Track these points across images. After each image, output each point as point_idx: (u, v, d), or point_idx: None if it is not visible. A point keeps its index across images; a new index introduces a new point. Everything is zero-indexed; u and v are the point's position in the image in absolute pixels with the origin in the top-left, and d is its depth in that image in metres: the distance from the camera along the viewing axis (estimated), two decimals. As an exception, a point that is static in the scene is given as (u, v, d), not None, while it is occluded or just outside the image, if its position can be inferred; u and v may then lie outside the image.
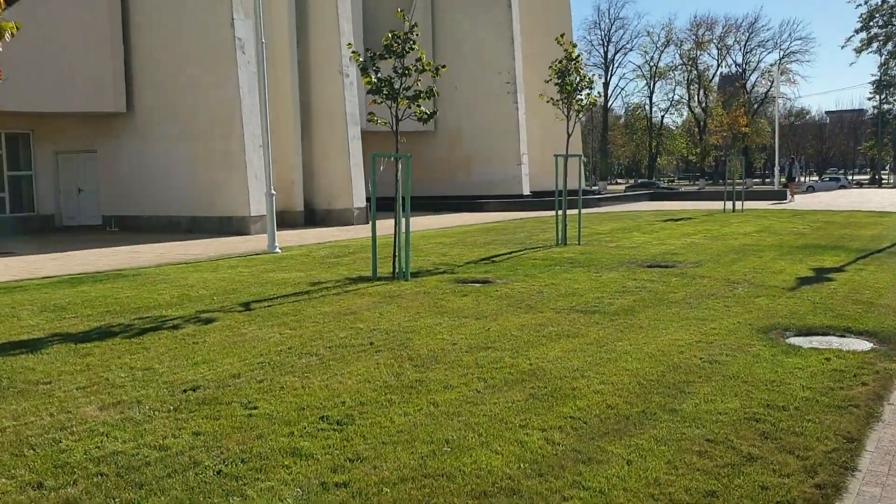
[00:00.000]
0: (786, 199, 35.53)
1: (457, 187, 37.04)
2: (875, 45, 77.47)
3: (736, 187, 28.30)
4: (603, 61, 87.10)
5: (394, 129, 11.42)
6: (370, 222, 11.47)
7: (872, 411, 5.18)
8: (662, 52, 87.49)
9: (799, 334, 7.57)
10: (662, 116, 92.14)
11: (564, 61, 15.17)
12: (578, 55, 15.20)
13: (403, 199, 11.48)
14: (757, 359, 6.51)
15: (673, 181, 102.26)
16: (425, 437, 4.85)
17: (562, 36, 15.12)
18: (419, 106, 11.34)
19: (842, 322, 7.91)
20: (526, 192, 35.12)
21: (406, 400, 5.60)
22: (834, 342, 7.22)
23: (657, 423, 4.99)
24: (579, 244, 16.05)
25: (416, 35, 11.33)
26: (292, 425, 5.13)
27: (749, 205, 31.53)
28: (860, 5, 78.12)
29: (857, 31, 78.41)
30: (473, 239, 18.43)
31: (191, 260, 15.32)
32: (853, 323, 7.86)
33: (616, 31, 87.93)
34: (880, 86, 79.49)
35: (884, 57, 78.17)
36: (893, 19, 76.63)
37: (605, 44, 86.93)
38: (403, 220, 11.50)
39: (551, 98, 15.52)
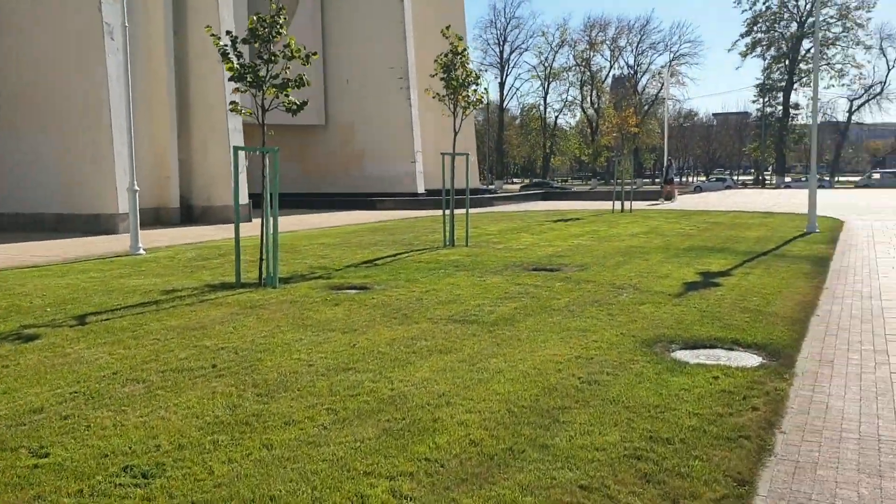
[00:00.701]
0: (664, 199, 36.05)
1: (350, 184, 36.02)
2: (759, 49, 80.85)
3: (625, 188, 28.43)
4: (499, 61, 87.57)
5: (259, 120, 10.40)
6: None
7: (764, 443, 4.62)
8: (557, 52, 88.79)
9: (685, 347, 7.05)
10: (556, 117, 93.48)
11: (450, 55, 14.46)
12: (465, 49, 14.52)
13: (272, 197, 10.47)
14: (640, 378, 5.91)
15: (566, 181, 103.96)
16: (247, 493, 3.96)
17: (447, 28, 14.39)
18: (287, 95, 10.36)
19: (729, 333, 7.46)
20: (420, 190, 34.45)
21: (235, 441, 4.69)
22: (722, 357, 6.73)
23: (525, 465, 4.26)
24: (467, 246, 15.40)
25: (284, 19, 10.35)
26: (85, 479, 4.14)
27: (638, 205, 31.88)
28: (745, 10, 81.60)
29: (742, 36, 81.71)
30: (359, 239, 17.53)
31: (41, 263, 13.81)
32: (741, 334, 7.42)
33: (512, 31, 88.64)
34: (764, 89, 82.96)
35: (767, 61, 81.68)
36: (776, 25, 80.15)
37: (501, 43, 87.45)
38: (271, 221, 10.49)
39: (437, 94, 14.80)
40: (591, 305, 8.94)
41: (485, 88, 17.07)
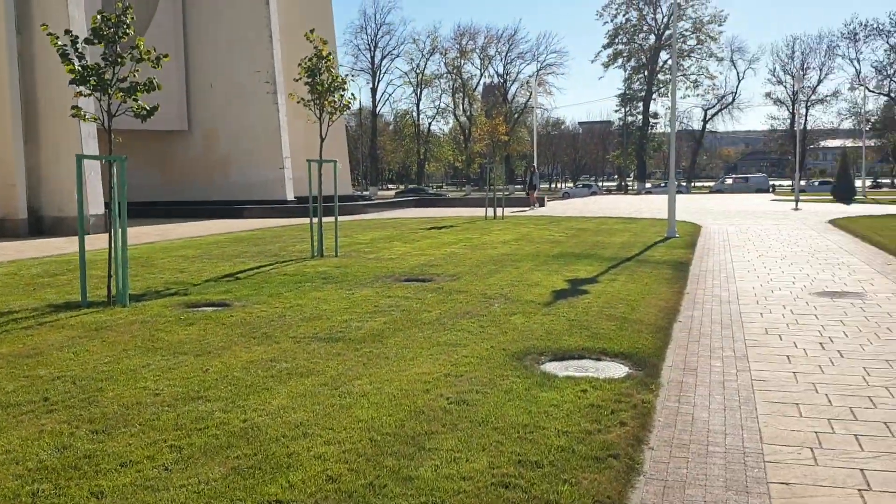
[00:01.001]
0: (529, 206, 36.67)
1: (214, 191, 34.66)
2: (620, 60, 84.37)
3: (497, 194, 28.71)
4: (371, 66, 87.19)
5: (105, 125, 9.63)
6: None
7: (633, 462, 4.50)
8: (428, 59, 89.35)
9: (555, 359, 6.95)
10: (430, 123, 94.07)
11: (315, 59, 13.99)
12: (330, 54, 14.09)
13: (120, 207, 9.70)
14: (510, 395, 5.72)
15: (441, 187, 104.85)
16: (65, 555, 3.44)
17: (312, 31, 13.93)
18: (136, 100, 9.63)
19: (597, 343, 7.42)
20: (290, 197, 33.59)
21: (60, 490, 4.12)
22: (590, 368, 6.65)
23: (387, 502, 3.94)
24: (336, 256, 14.95)
25: (131, 19, 9.62)
26: None
27: (510, 211, 32.31)
28: (606, 23, 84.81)
29: (604, 47, 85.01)
30: (221, 251, 16.73)
31: None
32: (608, 343, 7.39)
33: (383, 37, 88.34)
34: (625, 99, 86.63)
35: (628, 72, 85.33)
36: (636, 37, 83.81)
37: (372, 49, 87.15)
38: (120, 233, 9.73)
39: (302, 98, 14.30)
40: (462, 317, 8.75)
41: (352, 94, 16.77)
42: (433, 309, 9.29)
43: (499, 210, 27.90)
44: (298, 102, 14.29)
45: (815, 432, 5.04)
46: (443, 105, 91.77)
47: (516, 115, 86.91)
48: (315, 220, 15.05)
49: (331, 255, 15.09)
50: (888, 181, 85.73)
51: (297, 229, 22.56)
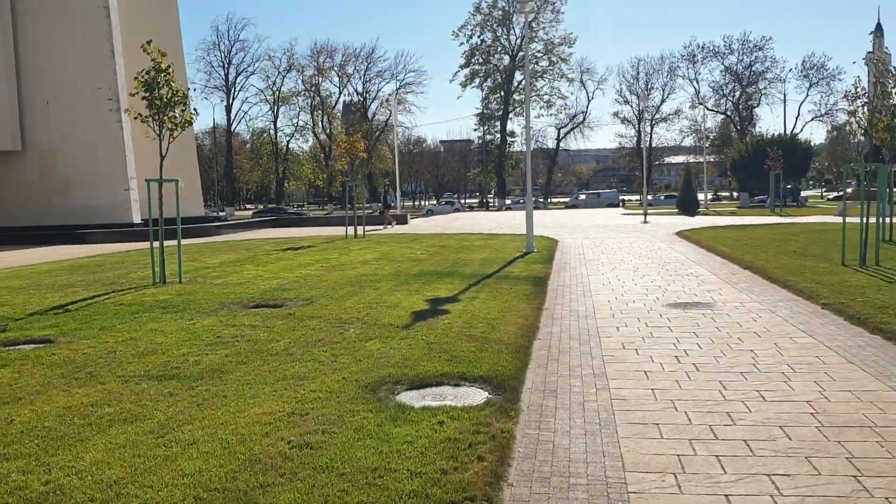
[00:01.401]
0: (385, 225, 36.15)
1: (54, 215, 32.25)
2: (477, 80, 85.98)
3: (357, 213, 28.15)
4: (224, 84, 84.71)
5: None
6: None
7: (491, 504, 4.12)
8: (285, 77, 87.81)
9: (412, 387, 6.51)
10: (288, 141, 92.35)
11: (153, 72, 13.03)
12: (169, 66, 13.17)
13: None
14: (360, 434, 5.22)
15: (302, 206, 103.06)
16: None
17: (149, 43, 12.97)
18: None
19: (456, 367, 7.05)
20: (136, 219, 31.70)
21: None
22: (448, 395, 6.26)
23: (209, 577, 3.36)
24: (180, 282, 13.94)
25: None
26: None
27: (371, 230, 31.83)
28: (462, 43, 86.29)
29: (461, 67, 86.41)
30: (54, 280, 15.29)
31: None
32: (468, 367, 7.04)
33: (237, 54, 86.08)
34: (483, 118, 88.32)
35: (485, 92, 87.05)
36: (491, 58, 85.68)
37: (226, 66, 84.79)
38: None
39: (140, 114, 13.29)
40: (313, 346, 8.17)
41: (194, 109, 15.91)
42: (282, 338, 8.65)
43: (360, 229, 27.33)
44: (136, 118, 13.26)
45: (678, 455, 4.84)
46: (301, 123, 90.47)
47: (377, 133, 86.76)
48: (157, 244, 13.99)
49: (174, 281, 14.07)
50: (727, 194, 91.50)
51: (141, 254, 21.12)
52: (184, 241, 15.04)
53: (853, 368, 6.90)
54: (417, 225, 37.79)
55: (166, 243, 14.20)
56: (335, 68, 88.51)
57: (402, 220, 38.74)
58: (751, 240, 21.03)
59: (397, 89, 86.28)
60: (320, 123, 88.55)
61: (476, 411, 5.70)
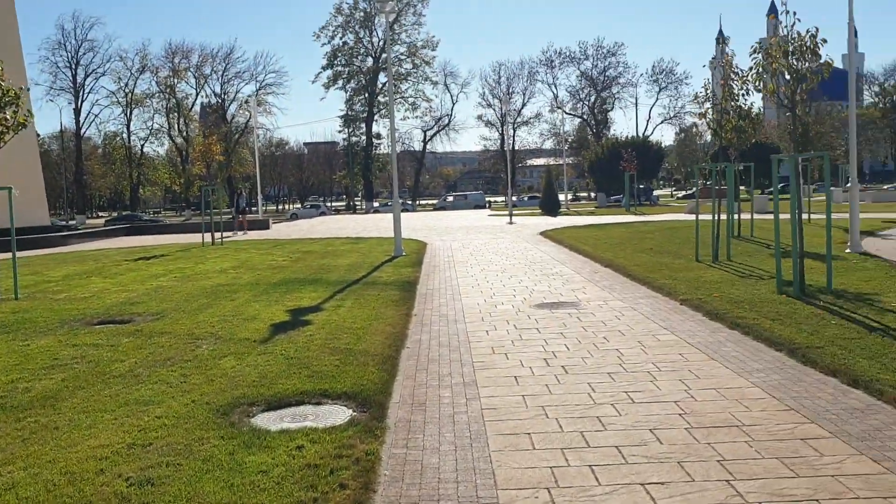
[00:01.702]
0: (236, 231, 34.47)
1: None
2: (340, 81, 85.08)
3: (215, 219, 26.91)
4: (72, 85, 79.81)
5: None
6: None
7: (354, 540, 3.74)
8: (138, 78, 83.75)
9: (269, 408, 6.03)
10: (143, 145, 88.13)
11: (-22, 70, 11.78)
12: (-3, 63, 11.96)
13: None
14: (209, 465, 4.71)
15: (159, 213, 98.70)
16: None
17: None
18: None
19: (318, 383, 6.62)
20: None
21: None
22: (309, 415, 5.83)
23: None
24: (16, 299, 12.71)
25: None
26: None
27: (229, 237, 30.60)
28: (324, 44, 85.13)
29: (323, 68, 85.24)
30: None
31: None
32: (331, 383, 6.62)
33: (85, 54, 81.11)
34: (348, 120, 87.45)
35: (349, 93, 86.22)
36: (354, 59, 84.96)
37: (74, 67, 79.87)
38: None
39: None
40: (161, 366, 7.50)
41: (28, 111, 14.56)
42: (127, 357, 7.92)
43: (218, 235, 26.13)
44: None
45: (551, 468, 4.63)
46: (156, 126, 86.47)
47: (237, 136, 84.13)
48: (-13, 257, 12.68)
49: (9, 297, 12.81)
50: (585, 194, 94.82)
51: (-25, 268, 19.30)
52: (27, 253, 13.79)
53: (716, 365, 6.99)
54: (280, 230, 36.73)
55: (4, 256, 12.91)
56: (191, 69, 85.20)
57: (263, 226, 37.53)
58: (610, 238, 21.62)
59: (257, 90, 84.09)
60: (176, 126, 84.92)
61: (339, 432, 5.31)
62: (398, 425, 5.57)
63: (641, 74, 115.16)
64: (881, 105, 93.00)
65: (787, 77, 10.40)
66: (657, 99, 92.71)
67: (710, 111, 15.25)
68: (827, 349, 7.16)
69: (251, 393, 6.39)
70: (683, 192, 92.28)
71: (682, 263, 14.72)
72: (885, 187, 63.17)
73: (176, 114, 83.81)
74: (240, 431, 5.38)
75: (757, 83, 10.81)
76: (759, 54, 10.63)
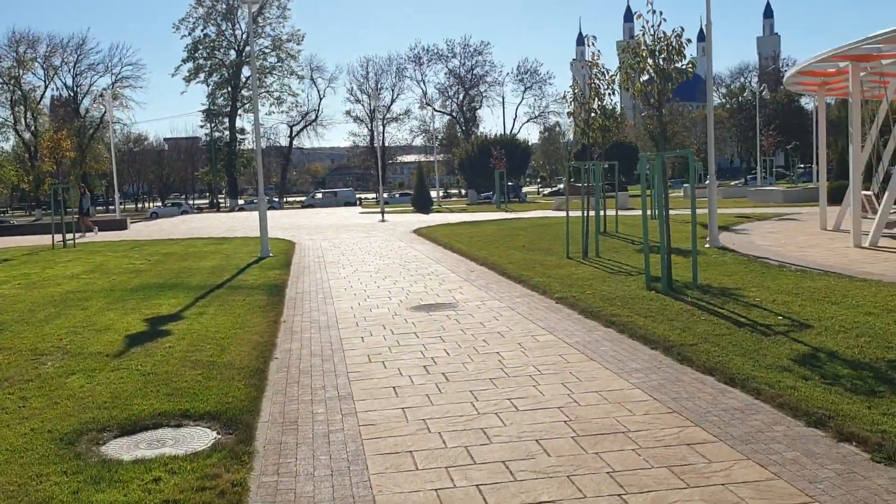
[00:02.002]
0: (83, 232, 31.66)
1: None
2: (202, 75, 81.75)
3: (67, 219, 25.05)
4: None
5: None
6: None
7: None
8: (-24, 67, 77.32)
9: (123, 433, 5.43)
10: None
11: None
12: None
13: None
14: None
15: (6, 213, 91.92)
16: None
17: None
18: None
19: (178, 402, 6.04)
20: None
21: None
22: (168, 440, 5.27)
23: None
24: None
25: None
26: None
27: (90, 236, 28.64)
28: (185, 36, 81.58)
29: (184, 61, 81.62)
30: None
31: None
32: (192, 401, 6.06)
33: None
34: (210, 114, 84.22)
35: (211, 87, 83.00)
36: (216, 52, 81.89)
37: None
38: None
39: None
40: (-5, 388, 6.67)
41: None
42: (-45, 380, 7.01)
43: (71, 237, 24.24)
44: None
45: (436, 490, 4.32)
46: (0, 119, 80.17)
47: (91, 131, 79.29)
48: None
49: None
50: (456, 191, 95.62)
51: None
52: None
53: (595, 366, 6.91)
54: (139, 230, 34.77)
55: None
56: (39, 59, 79.56)
57: (121, 226, 35.40)
58: (483, 236, 21.66)
59: (112, 83, 79.57)
60: (23, 120, 79.08)
61: (201, 459, 4.79)
62: (268, 448, 5.11)
63: (507, 74, 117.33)
64: (728, 106, 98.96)
65: (654, 76, 10.58)
66: (523, 98, 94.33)
67: (580, 110, 15.46)
68: (700, 346, 7.23)
69: (102, 416, 5.74)
70: (549, 189, 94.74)
71: (554, 260, 14.83)
72: (733, 184, 67.11)
73: (22, 107, 77.98)
74: (87, 464, 4.77)
75: (625, 83, 10.93)
76: (628, 53, 10.75)
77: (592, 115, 15.22)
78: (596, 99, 15.06)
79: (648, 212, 11.59)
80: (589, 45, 15.23)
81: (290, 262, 16.98)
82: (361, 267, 15.67)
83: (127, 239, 27.22)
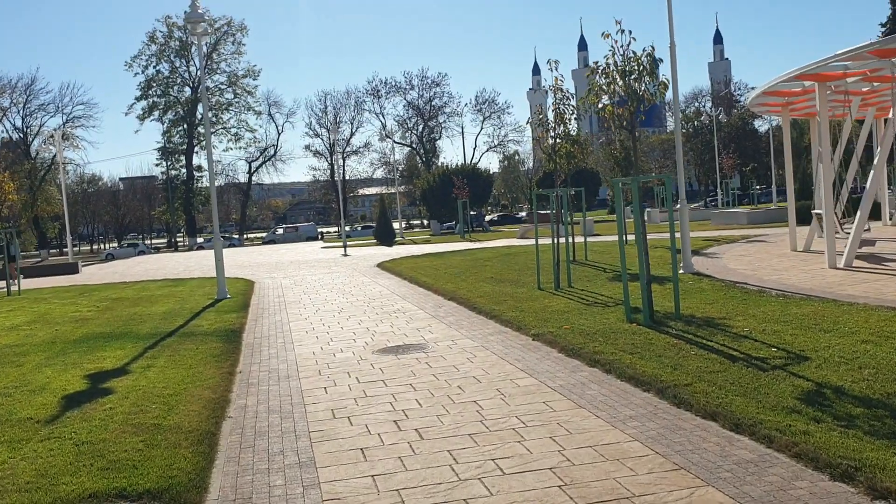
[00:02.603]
0: (14, 281, 29.10)
1: None
2: (157, 113, 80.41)
3: (17, 265, 23.85)
4: None
5: None
6: None
7: None
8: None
9: (44, 522, 4.62)
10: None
11: None
12: None
13: None
14: None
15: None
16: None
17: None
18: None
19: (115, 479, 5.24)
20: None
21: None
22: (97, 531, 4.48)
23: None
24: None
25: None
26: None
27: (39, 282, 27.40)
28: (137, 73, 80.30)
29: (137, 99, 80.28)
30: None
31: None
32: (131, 477, 5.26)
33: None
34: (166, 152, 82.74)
35: (166, 125, 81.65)
36: (171, 89, 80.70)
37: None
38: None
39: None
40: None
41: None
42: None
43: (15, 284, 23.03)
44: None
45: (417, 587, 3.61)
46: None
47: (42, 173, 77.32)
48: None
49: None
50: (418, 222, 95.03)
51: None
52: None
53: (585, 415, 6.25)
54: (91, 273, 33.46)
55: None
56: (-13, 100, 77.55)
57: (72, 269, 34.06)
58: (449, 268, 21.01)
59: (64, 123, 77.82)
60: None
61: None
62: (217, 536, 4.35)
63: (466, 104, 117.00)
64: (684, 130, 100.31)
65: (627, 97, 10.09)
66: (482, 128, 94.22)
67: (546, 136, 14.97)
68: (696, 386, 6.63)
69: (21, 502, 4.92)
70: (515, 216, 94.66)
71: (525, 292, 14.22)
72: (692, 206, 67.58)
73: (-31, 149, 75.83)
74: (-6, 571, 3.97)
75: (594, 104, 10.43)
76: (597, 75, 10.26)
77: (558, 140, 14.71)
78: (561, 125, 14.58)
79: (628, 237, 11.17)
80: (552, 70, 14.81)
81: (249, 304, 16.15)
82: (324, 306, 14.91)
83: (77, 284, 26.02)
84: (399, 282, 19.01)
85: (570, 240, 18.85)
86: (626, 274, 10.64)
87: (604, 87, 10.05)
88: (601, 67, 10.12)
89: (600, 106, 10.42)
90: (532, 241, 32.41)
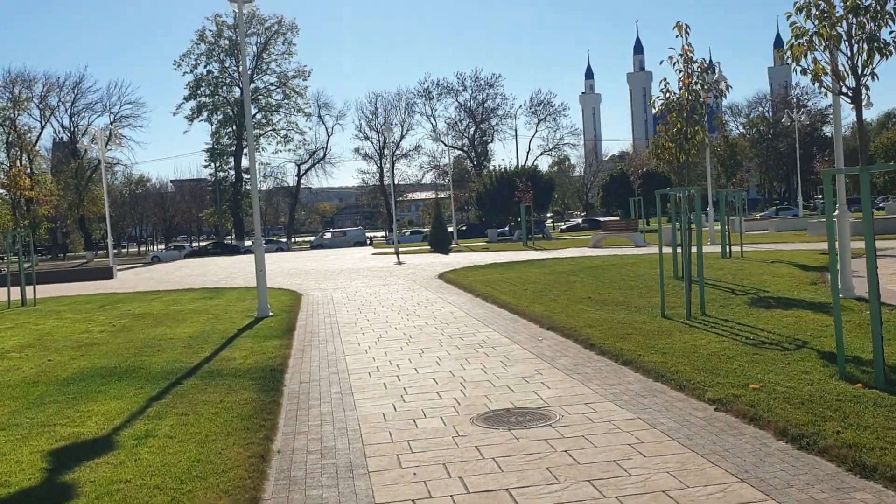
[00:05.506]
0: None
1: None
2: (205, 113, 78.73)
3: (28, 269, 21.23)
4: None
5: None
6: None
7: None
8: (-30, 109, 74.37)
9: None
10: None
11: None
12: None
13: None
14: None
15: (2, 259, 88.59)
16: None
17: None
18: None
19: None
20: None
21: None
22: None
23: None
24: None
25: None
26: None
27: (65, 289, 24.85)
28: (186, 73, 78.79)
29: (186, 99, 78.75)
30: None
31: None
32: None
33: None
34: (214, 154, 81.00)
35: (215, 126, 79.92)
36: (220, 90, 78.95)
37: None
38: None
39: None
40: None
41: None
42: None
43: (29, 291, 20.18)
44: None
45: None
46: (-7, 162, 77.03)
47: (89, 173, 76.14)
48: None
49: None
50: (465, 228, 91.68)
51: None
52: None
53: None
54: (127, 279, 31.01)
55: None
56: (35, 100, 76.68)
57: (106, 275, 31.66)
58: (528, 283, 17.78)
59: (111, 123, 76.52)
60: (19, 162, 75.96)
61: None
62: None
63: (520, 106, 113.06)
64: (748, 136, 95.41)
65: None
66: (536, 130, 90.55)
67: (677, 120, 11.69)
68: None
69: None
70: (566, 224, 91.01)
71: (647, 321, 10.98)
72: (759, 216, 63.24)
73: (17, 149, 74.95)
74: None
75: (799, 58, 7.18)
76: (802, 14, 7.00)
77: (691, 124, 11.45)
78: (697, 105, 11.31)
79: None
80: (680, 37, 11.57)
81: (294, 325, 13.17)
82: (386, 332, 11.86)
83: (105, 292, 23.37)
84: (471, 299, 15.86)
85: (698, 250, 15.19)
86: (839, 305, 7.28)
87: (819, 34, 6.76)
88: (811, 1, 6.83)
89: (804, 65, 7.13)
90: (614, 251, 29.03)
